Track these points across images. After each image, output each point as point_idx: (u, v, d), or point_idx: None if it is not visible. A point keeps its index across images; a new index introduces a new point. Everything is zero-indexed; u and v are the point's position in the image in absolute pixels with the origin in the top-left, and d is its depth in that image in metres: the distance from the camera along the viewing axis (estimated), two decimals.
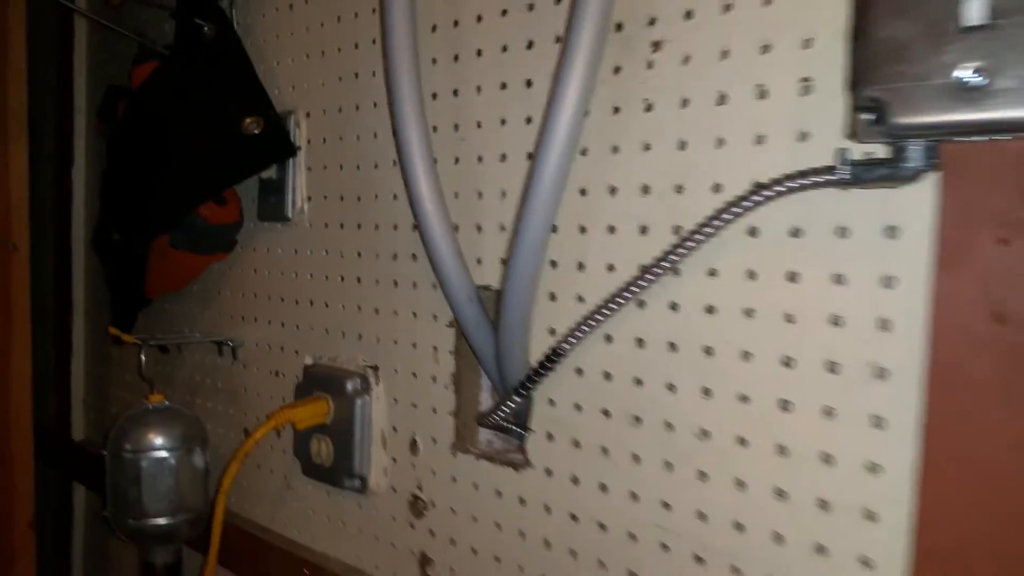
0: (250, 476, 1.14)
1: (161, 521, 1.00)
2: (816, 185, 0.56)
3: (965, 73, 0.45)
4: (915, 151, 0.50)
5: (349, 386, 0.95)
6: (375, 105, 0.93)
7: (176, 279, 1.18)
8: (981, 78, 0.45)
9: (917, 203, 0.53)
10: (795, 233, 0.60)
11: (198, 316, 1.23)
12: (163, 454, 1.00)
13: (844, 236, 0.57)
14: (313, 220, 1.03)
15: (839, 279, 0.57)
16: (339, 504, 1.01)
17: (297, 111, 1.04)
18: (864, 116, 0.50)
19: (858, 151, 0.55)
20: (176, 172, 1.08)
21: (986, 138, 0.48)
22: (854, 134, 0.53)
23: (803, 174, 0.56)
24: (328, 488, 1.02)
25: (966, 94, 0.46)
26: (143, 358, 1.09)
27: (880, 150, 0.54)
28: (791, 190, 0.57)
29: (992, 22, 0.44)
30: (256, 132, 1.01)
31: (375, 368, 0.95)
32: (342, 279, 0.99)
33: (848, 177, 0.53)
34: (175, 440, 1.01)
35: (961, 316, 0.50)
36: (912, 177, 0.52)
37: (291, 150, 1.03)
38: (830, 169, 0.54)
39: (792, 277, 0.60)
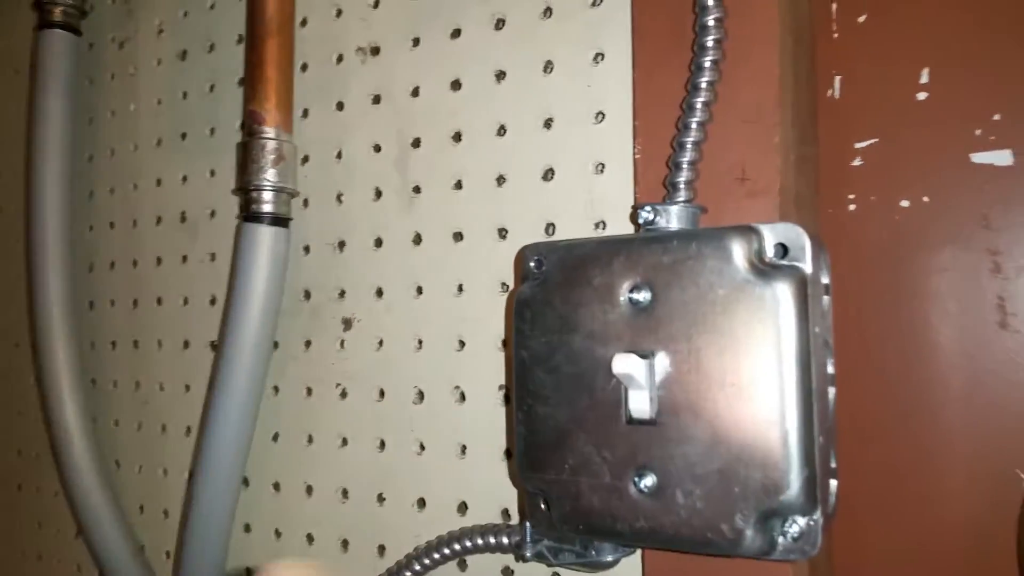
0: None
1: None
2: (504, 550, 0.44)
3: (634, 477, 0.35)
4: (603, 544, 0.39)
5: None
6: None
7: None
8: (651, 483, 0.34)
9: None
10: None
11: None
12: None
13: None
14: None
15: None
16: None
17: None
18: (535, 504, 0.39)
19: None
20: None
21: None
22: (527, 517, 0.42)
23: (496, 537, 0.44)
24: None
25: (636, 500, 0.35)
26: None
27: None
28: (473, 551, 0.45)
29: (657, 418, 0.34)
30: None
31: None
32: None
33: (531, 557, 0.41)
34: None
35: None
36: (607, 565, 0.40)
37: None
38: (517, 545, 0.42)
39: None
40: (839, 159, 0.47)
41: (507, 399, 0.50)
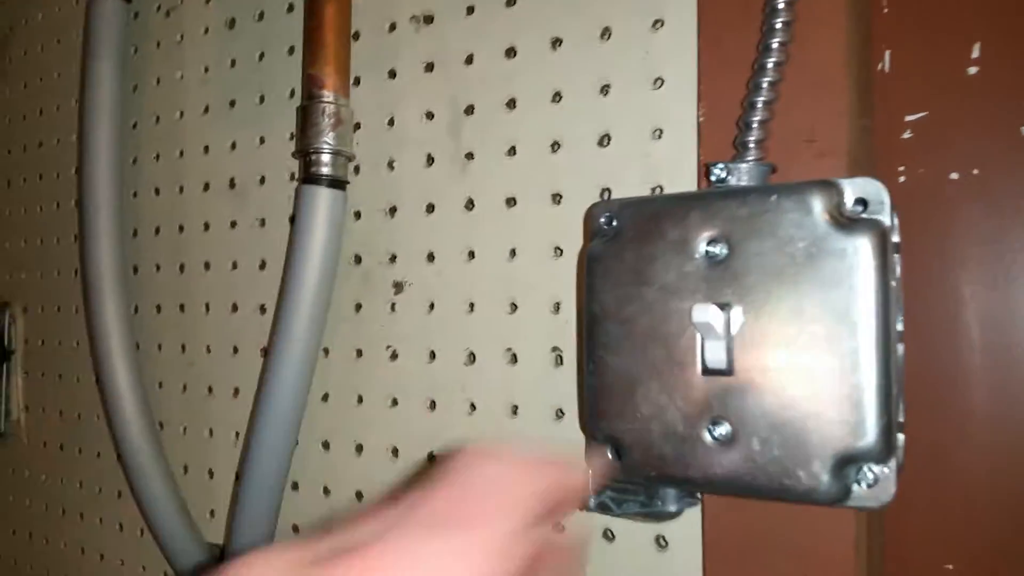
0: None
1: None
2: None
3: (708, 425, 0.36)
4: (668, 493, 0.40)
5: None
6: None
7: None
8: (726, 432, 0.35)
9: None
10: None
11: None
12: None
13: None
14: (31, 436, 0.85)
15: None
16: None
17: (13, 304, 0.87)
18: (601, 450, 0.40)
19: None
20: None
21: None
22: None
23: None
24: None
25: (710, 448, 0.36)
26: None
27: None
28: None
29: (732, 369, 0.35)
30: None
31: None
32: (46, 507, 0.82)
33: (594, 508, 0.42)
34: None
35: None
36: (671, 515, 0.42)
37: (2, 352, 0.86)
38: None
39: None
40: (889, 132, 0.48)
41: (560, 361, 0.51)
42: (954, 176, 0.46)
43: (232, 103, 0.68)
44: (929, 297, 0.46)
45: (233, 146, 0.68)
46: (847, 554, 0.38)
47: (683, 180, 0.47)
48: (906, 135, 0.47)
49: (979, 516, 0.43)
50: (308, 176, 0.55)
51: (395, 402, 0.58)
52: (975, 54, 0.45)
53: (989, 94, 0.45)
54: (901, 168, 0.47)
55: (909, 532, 0.44)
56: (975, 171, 0.45)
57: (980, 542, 0.42)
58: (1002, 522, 0.42)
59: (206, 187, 0.69)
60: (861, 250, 0.32)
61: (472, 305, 0.55)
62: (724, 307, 0.35)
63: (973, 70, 0.45)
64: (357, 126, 0.60)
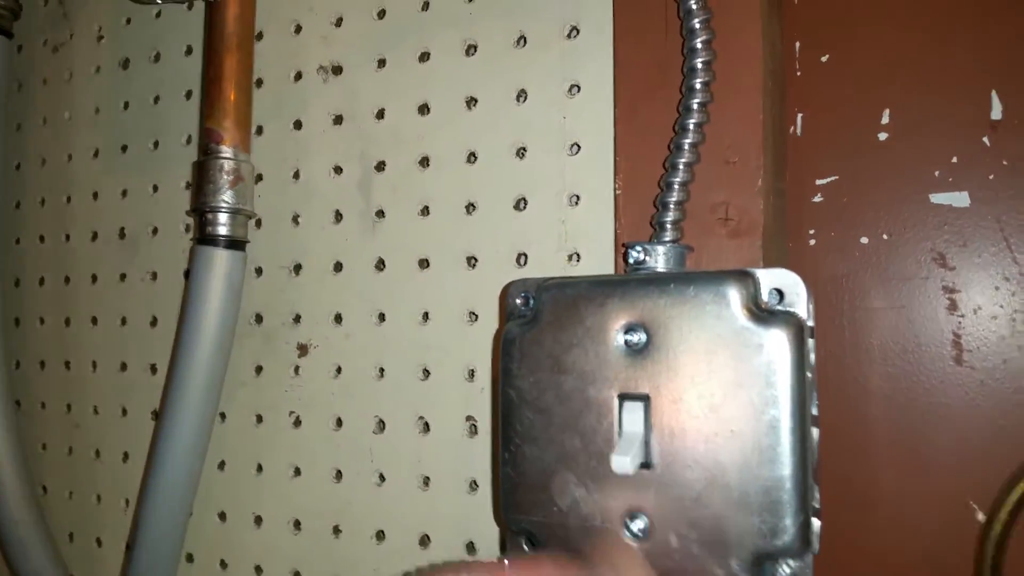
0: None
1: None
2: None
3: (626, 519, 0.34)
4: None
5: None
6: None
7: None
8: (643, 526, 0.34)
9: None
10: None
11: None
12: None
13: None
14: None
15: None
16: None
17: None
18: (518, 543, 0.38)
19: None
20: None
21: None
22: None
23: None
24: None
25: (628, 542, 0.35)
26: None
27: None
28: None
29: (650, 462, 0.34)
30: None
31: None
32: None
33: None
34: None
35: None
36: None
37: None
38: None
39: None
40: (801, 195, 0.48)
41: (474, 430, 0.49)
42: (864, 240, 0.46)
43: (124, 148, 0.64)
44: (841, 361, 0.46)
45: (124, 193, 0.64)
46: None
47: (599, 248, 0.46)
48: (817, 199, 0.48)
49: None
50: (204, 236, 0.51)
51: (298, 471, 0.55)
52: (885, 120, 0.46)
53: (899, 160, 0.45)
54: (812, 231, 0.48)
55: None
56: (885, 236, 0.46)
57: None
58: None
59: (94, 236, 0.65)
60: (778, 345, 0.32)
61: (382, 370, 0.53)
62: (642, 398, 0.34)
63: (883, 136, 0.46)
64: (259, 177, 0.57)
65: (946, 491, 0.43)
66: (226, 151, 0.51)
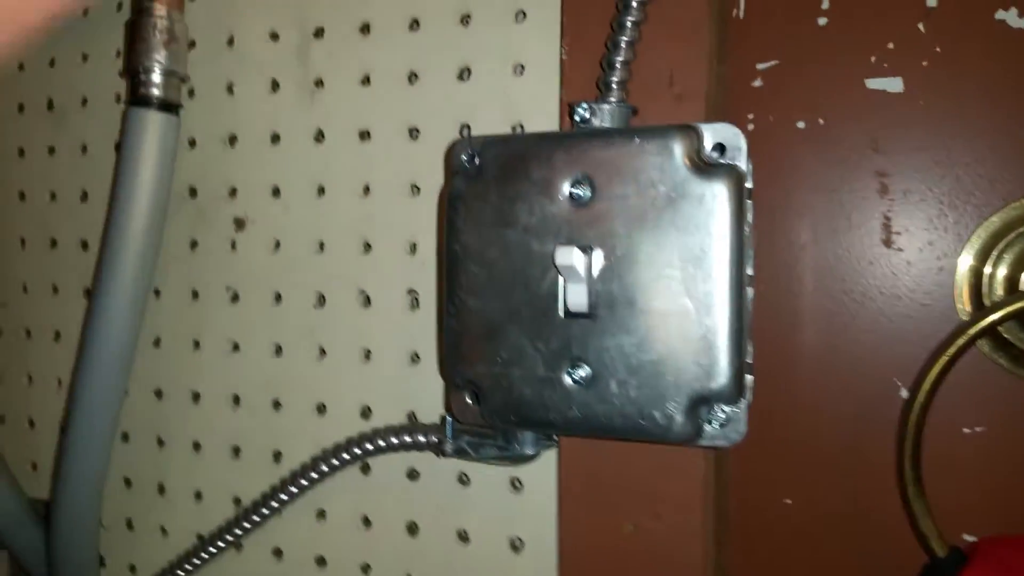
0: None
1: None
2: (422, 448, 0.44)
3: (568, 368, 0.36)
4: (526, 436, 0.40)
5: None
6: None
7: None
8: (586, 374, 0.35)
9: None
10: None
11: None
12: None
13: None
14: None
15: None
16: None
17: None
18: (461, 395, 0.39)
19: None
20: None
21: None
22: (451, 412, 0.42)
23: (411, 435, 0.44)
24: None
25: (569, 390, 0.36)
26: None
27: None
28: (387, 449, 0.45)
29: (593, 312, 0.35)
30: None
31: None
32: None
33: (452, 453, 0.42)
34: None
35: None
36: (528, 458, 0.41)
37: None
38: (437, 442, 0.42)
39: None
40: (741, 78, 0.48)
41: (416, 303, 0.50)
42: (800, 125, 0.47)
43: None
44: (775, 243, 0.47)
45: (52, 63, 0.60)
46: (695, 491, 0.39)
47: (545, 119, 0.46)
48: (756, 83, 0.48)
49: (813, 453, 0.45)
50: (136, 98, 0.49)
51: (236, 347, 0.55)
52: (825, 5, 0.46)
53: (837, 45, 0.46)
54: (751, 115, 0.48)
55: (751, 469, 0.46)
56: (821, 120, 0.46)
57: (815, 476, 0.45)
58: (834, 458, 0.45)
59: (20, 108, 0.62)
60: (719, 195, 0.33)
61: (322, 244, 0.52)
62: (586, 250, 0.35)
63: (823, 21, 0.46)
64: (192, 44, 0.55)
65: (871, 368, 0.45)
66: (159, 9, 0.49)
